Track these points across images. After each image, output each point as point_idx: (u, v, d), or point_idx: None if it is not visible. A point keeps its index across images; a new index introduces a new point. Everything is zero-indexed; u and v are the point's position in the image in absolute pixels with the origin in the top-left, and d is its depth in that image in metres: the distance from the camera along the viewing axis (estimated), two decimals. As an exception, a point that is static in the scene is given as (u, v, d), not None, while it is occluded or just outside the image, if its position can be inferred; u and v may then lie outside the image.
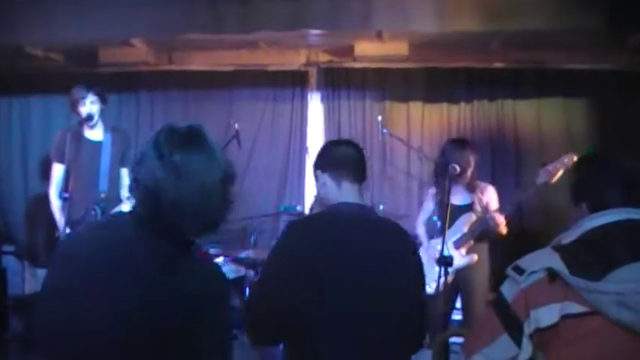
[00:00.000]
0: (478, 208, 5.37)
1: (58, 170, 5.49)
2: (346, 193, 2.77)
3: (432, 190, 5.72)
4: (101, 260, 2.03)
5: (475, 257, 5.32)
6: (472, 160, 5.36)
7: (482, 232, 5.29)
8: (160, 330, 2.00)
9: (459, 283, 5.37)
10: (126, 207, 5.18)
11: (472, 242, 5.35)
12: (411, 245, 2.86)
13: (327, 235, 2.62)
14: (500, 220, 5.11)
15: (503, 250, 5.59)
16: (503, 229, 5.17)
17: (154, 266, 2.05)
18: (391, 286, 2.59)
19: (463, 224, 5.35)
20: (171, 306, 2.02)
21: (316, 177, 2.89)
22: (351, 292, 2.51)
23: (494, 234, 5.25)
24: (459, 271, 5.32)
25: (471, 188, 5.42)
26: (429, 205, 5.75)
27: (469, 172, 5.33)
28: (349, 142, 2.99)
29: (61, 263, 2.12)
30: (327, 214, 2.84)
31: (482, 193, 5.43)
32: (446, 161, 5.21)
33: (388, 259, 2.63)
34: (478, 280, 5.36)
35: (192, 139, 2.15)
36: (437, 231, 5.59)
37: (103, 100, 5.54)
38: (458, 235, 5.34)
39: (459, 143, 5.50)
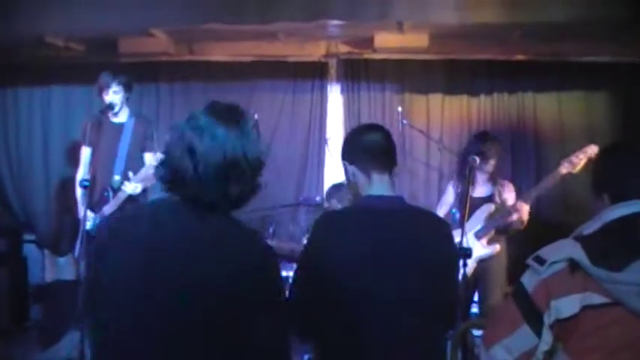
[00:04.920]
0: (497, 200, 5.40)
1: (84, 153, 5.54)
2: (376, 184, 2.70)
3: (453, 182, 5.70)
4: (146, 240, 2.02)
5: (498, 247, 5.34)
6: (497, 152, 5.40)
7: (505, 225, 5.30)
8: (213, 302, 1.98)
9: (478, 275, 5.38)
10: (129, 187, 5.20)
11: (493, 233, 5.35)
12: (444, 231, 2.78)
13: (352, 230, 2.60)
14: (525, 208, 5.12)
15: (521, 243, 5.58)
16: (525, 218, 5.18)
17: (196, 241, 2.03)
18: (422, 275, 2.56)
19: (483, 215, 5.36)
20: (217, 277, 1.99)
21: (345, 168, 2.81)
22: (380, 284, 2.50)
23: (517, 226, 5.25)
24: (480, 262, 5.33)
25: (493, 181, 5.44)
26: (449, 198, 5.75)
27: (493, 163, 5.33)
28: (376, 128, 2.89)
29: (110, 245, 2.06)
30: (355, 209, 2.82)
31: (502, 187, 5.46)
32: (470, 152, 5.24)
33: (418, 249, 2.59)
34: (496, 272, 5.38)
35: (226, 111, 2.15)
36: (456, 223, 5.59)
37: (127, 88, 5.56)
38: (479, 226, 5.36)
39: (486, 135, 5.54)
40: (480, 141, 5.41)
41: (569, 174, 4.96)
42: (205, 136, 2.04)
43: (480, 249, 5.28)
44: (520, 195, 5.44)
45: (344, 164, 2.80)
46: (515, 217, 5.17)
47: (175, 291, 1.96)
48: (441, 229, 2.79)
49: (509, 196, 5.46)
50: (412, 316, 2.54)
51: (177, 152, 2.05)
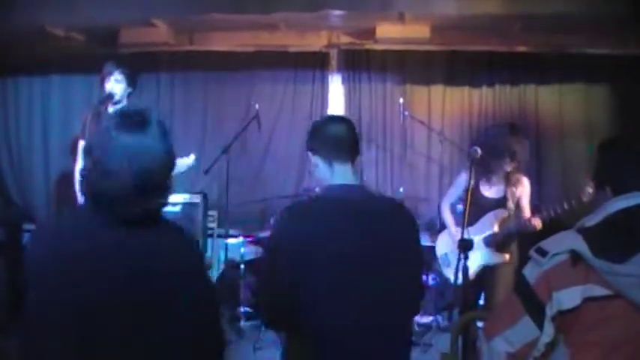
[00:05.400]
0: (511, 205, 5.23)
1: (81, 147, 5.49)
2: (338, 174, 2.76)
3: (465, 176, 5.45)
4: (66, 256, 2.02)
5: (507, 257, 5.19)
6: (523, 153, 5.17)
7: (517, 233, 5.19)
8: (139, 308, 2.01)
9: (483, 278, 5.28)
10: None
11: (502, 240, 5.22)
12: (406, 219, 2.85)
13: (318, 219, 2.64)
14: (539, 223, 5.01)
15: (532, 244, 5.47)
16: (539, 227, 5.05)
17: (114, 250, 2.03)
18: (387, 262, 2.63)
19: (493, 221, 5.23)
20: (140, 281, 2.02)
21: (310, 158, 2.87)
22: (345, 273, 2.55)
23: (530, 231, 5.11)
24: (485, 267, 5.24)
25: (507, 181, 5.26)
26: (457, 191, 5.55)
27: (515, 165, 5.16)
28: (339, 119, 2.99)
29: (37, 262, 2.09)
30: (319, 198, 2.89)
31: (515, 187, 5.26)
32: (497, 148, 5.11)
33: (381, 236, 2.65)
34: (504, 275, 5.23)
35: (133, 121, 2.09)
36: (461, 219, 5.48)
37: (130, 82, 5.45)
38: (488, 232, 5.23)
39: (517, 130, 5.31)
40: (514, 137, 5.15)
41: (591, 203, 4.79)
42: (118, 154, 2.01)
43: (489, 256, 5.21)
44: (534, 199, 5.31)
45: (309, 154, 2.86)
46: (529, 229, 5.04)
47: (120, 303, 1.99)
48: (406, 215, 2.87)
49: (523, 193, 5.28)
50: (386, 299, 2.62)
51: (96, 173, 2.05)
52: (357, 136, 2.86)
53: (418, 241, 2.92)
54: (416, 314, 3.22)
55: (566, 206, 4.90)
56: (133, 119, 2.08)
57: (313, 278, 2.52)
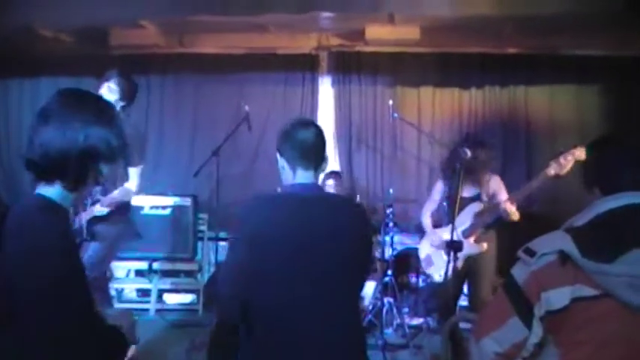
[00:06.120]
0: (485, 198, 5.33)
1: None
2: (299, 178, 2.85)
3: (440, 185, 5.64)
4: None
5: (485, 246, 5.27)
6: (486, 160, 5.29)
7: (495, 221, 5.25)
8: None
9: (467, 270, 5.34)
10: (98, 208, 4.83)
11: (481, 230, 5.30)
12: (357, 214, 2.94)
13: (270, 209, 2.76)
14: (512, 209, 5.06)
15: (511, 235, 5.52)
16: (516, 216, 5.10)
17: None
18: (336, 252, 2.71)
19: (470, 213, 5.31)
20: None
21: (277, 159, 2.96)
22: (292, 260, 2.64)
23: (507, 221, 5.18)
24: (468, 258, 5.29)
25: (479, 182, 5.34)
26: (436, 198, 5.67)
27: (480, 172, 5.26)
28: (308, 125, 3.01)
29: None
30: (278, 194, 3.04)
31: (487, 183, 5.36)
32: (458, 157, 5.12)
33: (331, 228, 2.74)
34: (485, 266, 5.32)
35: (70, 96, 2.28)
36: (444, 219, 5.57)
37: (123, 95, 5.15)
38: (466, 225, 5.30)
39: (474, 141, 5.36)
40: (472, 148, 5.20)
41: (557, 175, 4.88)
42: (50, 126, 2.20)
43: (467, 247, 5.24)
44: (508, 193, 5.37)
45: (277, 155, 2.93)
46: (502, 214, 5.11)
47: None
48: (357, 209, 3.04)
49: (497, 188, 5.36)
50: (331, 288, 2.71)
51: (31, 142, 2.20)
52: (324, 143, 2.94)
53: (367, 232, 3.03)
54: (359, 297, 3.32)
55: (534, 183, 4.96)
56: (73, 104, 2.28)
57: (264, 266, 2.63)
